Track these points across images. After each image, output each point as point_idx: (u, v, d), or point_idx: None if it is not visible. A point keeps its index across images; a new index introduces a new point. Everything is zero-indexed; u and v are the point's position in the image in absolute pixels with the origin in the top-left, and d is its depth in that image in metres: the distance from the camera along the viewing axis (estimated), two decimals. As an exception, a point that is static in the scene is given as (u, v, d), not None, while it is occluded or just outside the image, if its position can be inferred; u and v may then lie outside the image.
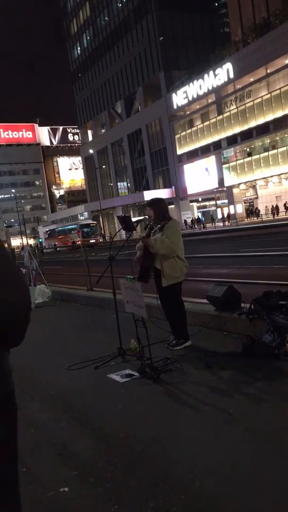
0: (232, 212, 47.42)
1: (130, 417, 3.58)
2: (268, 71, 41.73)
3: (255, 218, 43.61)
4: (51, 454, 3.17)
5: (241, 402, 3.54)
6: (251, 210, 46.81)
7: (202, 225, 47.69)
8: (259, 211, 45.11)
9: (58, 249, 52.75)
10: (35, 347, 6.47)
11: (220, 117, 47.54)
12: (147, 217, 5.19)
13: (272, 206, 43.31)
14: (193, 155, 52.85)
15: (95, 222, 58.31)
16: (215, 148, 48.93)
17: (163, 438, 3.14)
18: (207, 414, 3.42)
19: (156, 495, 2.48)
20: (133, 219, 5.51)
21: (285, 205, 37.69)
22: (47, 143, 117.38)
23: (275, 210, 42.35)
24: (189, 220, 53.60)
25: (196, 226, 48.90)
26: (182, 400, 3.79)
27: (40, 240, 79.31)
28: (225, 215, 46.14)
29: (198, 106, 51.90)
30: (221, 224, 47.06)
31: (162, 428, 3.30)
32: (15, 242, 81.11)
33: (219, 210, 54.14)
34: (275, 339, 4.43)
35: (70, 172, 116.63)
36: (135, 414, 3.63)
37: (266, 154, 42.67)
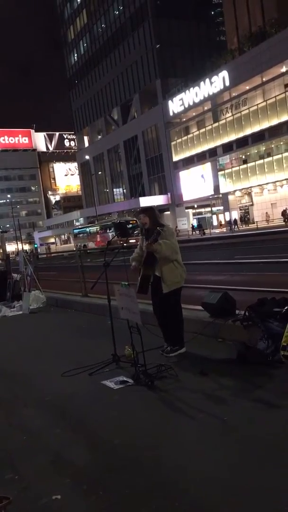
0: (227, 218, 47.49)
1: (124, 424, 3.57)
2: (264, 79, 42.05)
3: (244, 226, 43.69)
4: (44, 461, 3.15)
5: (236, 409, 3.53)
6: (242, 218, 46.89)
7: (201, 231, 47.07)
8: (248, 219, 45.33)
9: (89, 251, 46.53)
10: (29, 353, 6.45)
11: (216, 124, 47.80)
12: (143, 223, 5.15)
13: (266, 213, 43.35)
14: (189, 162, 53.05)
15: (135, 219, 53.53)
16: (210, 155, 49.15)
17: (157, 445, 3.13)
18: (201, 421, 3.41)
19: (149, 503, 2.46)
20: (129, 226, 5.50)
21: (283, 212, 37.73)
22: (43, 149, 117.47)
23: (267, 217, 42.36)
24: (186, 225, 53.42)
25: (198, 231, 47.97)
26: (176, 407, 3.78)
27: (36, 245, 79.20)
28: (232, 221, 45.17)
29: (194, 113, 52.17)
30: (221, 229, 46.83)
31: (156, 435, 3.29)
32: (10, 247, 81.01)
33: (214, 217, 54.22)
34: (270, 346, 4.44)
35: (66, 178, 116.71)
36: (129, 421, 3.62)
37: (261, 161, 42.90)
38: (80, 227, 62.35)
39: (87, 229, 55.05)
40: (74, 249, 53.94)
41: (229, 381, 4.13)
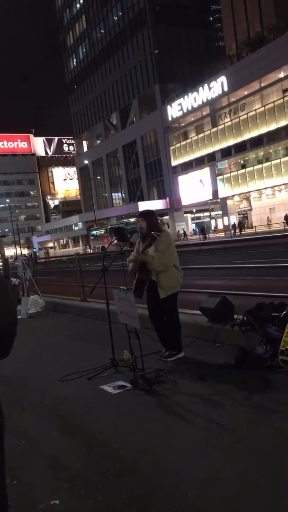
0: (226, 223, 47.49)
1: (122, 429, 3.57)
2: (262, 84, 42.22)
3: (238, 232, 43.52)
4: (42, 466, 3.15)
5: (234, 414, 3.54)
6: (239, 223, 46.61)
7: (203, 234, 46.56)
8: (245, 223, 45.36)
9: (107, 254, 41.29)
10: (28, 357, 6.44)
11: (215, 129, 47.92)
12: (140, 228, 5.15)
13: (268, 217, 43.20)
14: (187, 166, 53.15)
15: (161, 218, 44.25)
16: (209, 160, 49.25)
17: (155, 449, 3.13)
18: (199, 426, 3.41)
19: (147, 508, 2.47)
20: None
21: (286, 217, 37.61)
22: (42, 153, 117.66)
23: (269, 221, 42.37)
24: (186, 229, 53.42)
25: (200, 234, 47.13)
26: (174, 411, 3.79)
27: (34, 250, 79.13)
28: (236, 224, 44.47)
29: (192, 118, 52.33)
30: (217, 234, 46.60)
31: (154, 440, 3.29)
32: (9, 252, 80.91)
33: (213, 221, 54.29)
34: (268, 351, 4.44)
35: (65, 183, 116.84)
36: (128, 426, 3.62)
37: (259, 166, 43.00)
38: (97, 227, 58.28)
39: (105, 230, 50.53)
40: (90, 251, 50.63)
41: (227, 386, 4.13)
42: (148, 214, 5.17)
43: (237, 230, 42.81)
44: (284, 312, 4.60)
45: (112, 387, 4.48)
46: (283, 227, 37.43)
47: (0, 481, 1.61)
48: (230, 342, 5.16)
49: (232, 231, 42.68)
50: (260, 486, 2.54)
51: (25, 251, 77.86)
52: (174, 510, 2.41)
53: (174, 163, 55.16)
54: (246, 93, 44.16)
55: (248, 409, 3.58)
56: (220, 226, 50.48)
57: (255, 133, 42.62)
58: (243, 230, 42.73)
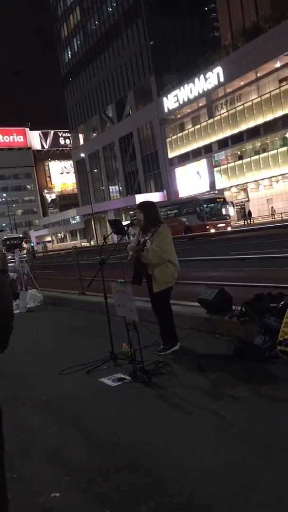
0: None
1: (122, 422, 3.58)
2: (258, 75, 42.05)
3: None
4: (43, 460, 3.15)
5: (233, 405, 3.54)
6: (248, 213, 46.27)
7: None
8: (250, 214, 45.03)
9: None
10: (27, 351, 6.44)
11: (211, 120, 47.77)
12: (138, 220, 5.15)
13: (272, 207, 42.87)
14: (184, 158, 53.02)
15: (223, 196, 36.41)
16: (206, 151, 49.13)
17: (155, 442, 3.14)
18: (199, 418, 3.41)
19: (148, 500, 2.47)
20: (124, 223, 5.47)
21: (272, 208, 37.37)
22: (38, 147, 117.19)
23: (273, 211, 42.05)
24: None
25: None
26: (174, 403, 3.79)
27: (32, 244, 79.00)
28: (247, 213, 43.63)
29: (189, 110, 52.11)
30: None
31: (154, 432, 3.30)
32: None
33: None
34: (266, 341, 4.45)
35: (62, 176, 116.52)
36: (127, 419, 3.62)
37: (256, 157, 42.90)
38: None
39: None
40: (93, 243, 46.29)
41: (226, 377, 4.14)
42: (145, 205, 5.15)
43: (248, 219, 42.33)
44: (282, 303, 4.59)
45: (111, 379, 4.49)
46: (280, 218, 37.38)
47: (0, 474, 1.61)
48: (228, 333, 5.17)
49: (248, 221, 42.19)
50: (260, 477, 2.54)
51: (23, 246, 77.35)
52: (174, 501, 2.42)
53: (171, 155, 55.02)
54: (242, 83, 43.98)
55: (247, 400, 3.58)
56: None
57: (251, 123, 42.50)
58: (251, 220, 42.51)
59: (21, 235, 71.53)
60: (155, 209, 5.15)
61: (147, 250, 4.72)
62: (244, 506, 2.31)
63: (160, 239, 4.85)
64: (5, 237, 67.71)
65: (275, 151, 40.84)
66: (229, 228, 28.96)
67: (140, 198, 53.02)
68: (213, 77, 46.40)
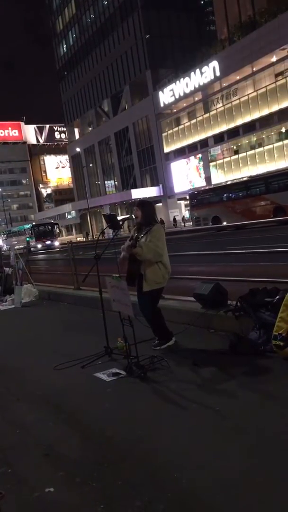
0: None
1: (117, 416, 3.58)
2: (254, 69, 41.89)
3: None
4: (38, 455, 3.15)
5: (228, 399, 3.55)
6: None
7: None
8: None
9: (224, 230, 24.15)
10: (21, 346, 6.44)
11: (207, 115, 47.63)
12: (133, 216, 5.19)
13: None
14: (180, 153, 52.90)
15: None
16: (202, 146, 49.00)
17: (150, 436, 3.14)
18: (194, 412, 3.42)
19: (143, 494, 2.47)
20: (119, 218, 5.50)
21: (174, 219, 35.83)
22: (34, 142, 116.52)
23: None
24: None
25: None
26: (169, 398, 3.79)
27: (28, 238, 78.75)
28: None
29: (185, 104, 51.93)
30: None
31: (149, 427, 3.30)
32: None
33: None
34: (261, 336, 4.46)
35: (57, 171, 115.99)
36: (122, 413, 3.62)
37: (252, 152, 42.84)
38: (202, 189, 39.68)
39: (219, 193, 31.17)
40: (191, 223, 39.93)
41: (221, 372, 4.15)
42: (144, 204, 5.21)
43: None
44: (277, 297, 4.60)
45: (106, 374, 4.49)
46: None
47: None
48: (224, 328, 5.18)
49: None
50: (255, 471, 2.55)
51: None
52: (168, 496, 2.42)
53: (166, 149, 54.85)
54: (238, 78, 43.81)
55: (242, 395, 3.59)
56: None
57: (247, 118, 42.40)
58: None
59: (52, 221, 65.38)
60: (152, 208, 5.24)
61: (140, 246, 4.73)
62: (239, 500, 2.32)
63: (153, 235, 4.87)
64: (33, 223, 63.24)
65: (271, 146, 40.79)
66: None
67: (136, 192, 52.98)
68: (209, 71, 46.21)
